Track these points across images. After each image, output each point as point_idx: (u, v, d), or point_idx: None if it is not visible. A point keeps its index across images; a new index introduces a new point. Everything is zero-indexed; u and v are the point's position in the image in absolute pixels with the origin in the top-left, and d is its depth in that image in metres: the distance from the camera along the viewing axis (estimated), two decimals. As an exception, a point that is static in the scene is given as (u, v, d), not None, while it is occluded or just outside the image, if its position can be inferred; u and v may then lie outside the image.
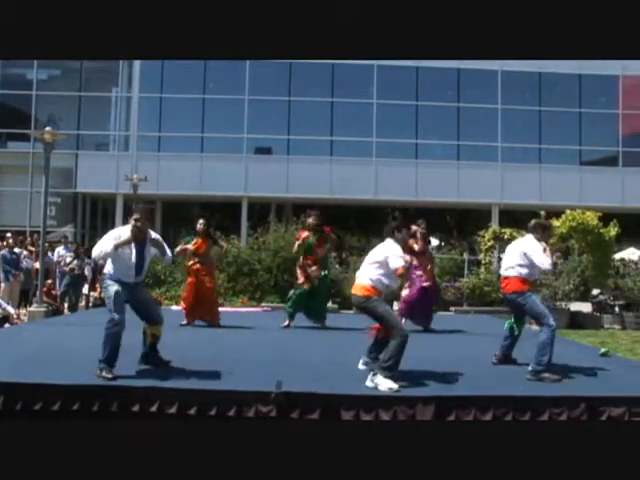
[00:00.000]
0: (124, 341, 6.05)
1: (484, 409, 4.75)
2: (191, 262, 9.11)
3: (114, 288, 5.44)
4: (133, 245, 5.45)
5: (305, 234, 9.08)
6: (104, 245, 5.47)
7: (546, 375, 5.67)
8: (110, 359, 5.35)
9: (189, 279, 9.26)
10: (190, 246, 8.94)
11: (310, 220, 9.03)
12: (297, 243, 9.15)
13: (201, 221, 8.99)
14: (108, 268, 5.56)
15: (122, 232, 5.59)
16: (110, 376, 5.19)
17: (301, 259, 9.15)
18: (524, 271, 6.21)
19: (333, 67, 26.86)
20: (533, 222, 6.62)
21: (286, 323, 9.09)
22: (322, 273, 8.99)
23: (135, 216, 5.45)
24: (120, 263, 5.48)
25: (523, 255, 6.27)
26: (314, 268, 8.90)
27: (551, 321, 5.95)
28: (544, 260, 6.12)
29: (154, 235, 5.65)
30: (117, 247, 5.40)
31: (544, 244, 6.26)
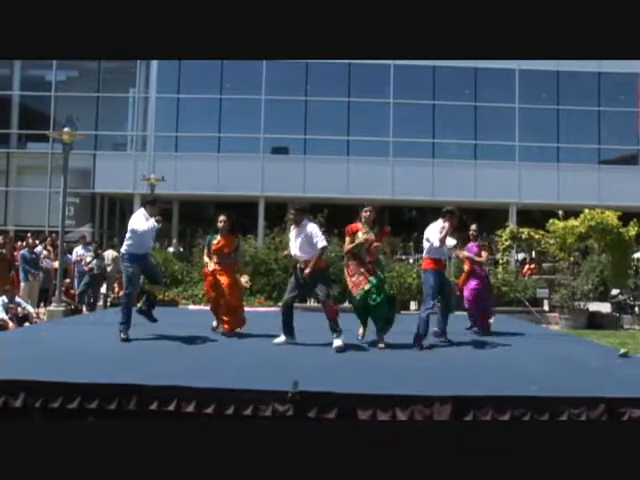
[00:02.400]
0: (140, 342, 6.11)
1: (502, 409, 4.73)
2: (208, 263, 8.14)
3: None
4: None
5: (358, 228, 7.42)
6: None
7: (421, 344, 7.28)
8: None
9: (206, 284, 8.26)
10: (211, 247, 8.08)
11: (366, 214, 7.42)
12: (349, 239, 7.39)
13: (221, 218, 8.06)
14: None
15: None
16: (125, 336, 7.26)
17: (347, 261, 7.45)
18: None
19: (350, 67, 26.86)
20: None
21: (360, 331, 7.66)
22: (370, 280, 7.19)
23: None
24: None
25: (426, 239, 7.72)
26: (361, 276, 7.24)
27: (429, 303, 7.51)
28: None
29: None
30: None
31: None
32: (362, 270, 7.17)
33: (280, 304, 7.81)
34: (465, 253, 9.04)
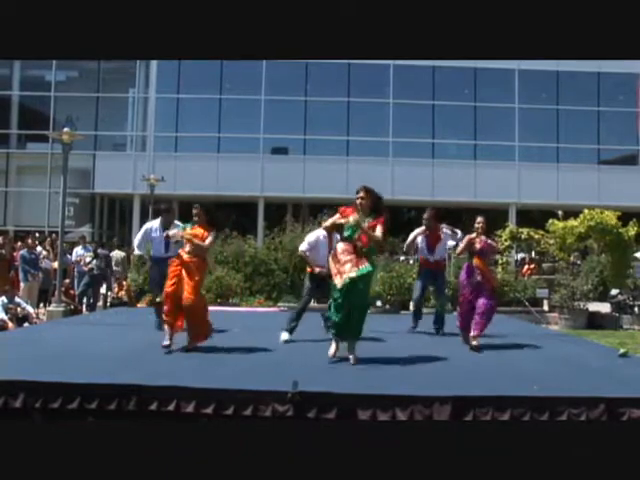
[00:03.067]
0: (139, 342, 6.10)
1: (501, 409, 4.73)
2: (180, 250, 7.01)
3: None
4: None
5: (350, 213, 6.34)
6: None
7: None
8: None
9: (170, 272, 6.85)
10: (185, 232, 6.97)
11: (358, 201, 6.35)
12: (332, 219, 6.52)
13: (196, 205, 7.15)
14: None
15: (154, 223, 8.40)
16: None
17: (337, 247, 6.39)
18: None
19: (349, 67, 26.89)
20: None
21: (331, 351, 6.42)
22: (361, 269, 6.14)
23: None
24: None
25: None
26: (348, 264, 6.14)
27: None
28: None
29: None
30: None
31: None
32: (350, 257, 6.16)
33: (299, 306, 7.99)
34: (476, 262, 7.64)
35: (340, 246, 6.28)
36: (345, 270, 6.13)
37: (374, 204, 6.35)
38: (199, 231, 6.93)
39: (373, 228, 6.27)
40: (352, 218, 6.21)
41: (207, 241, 6.88)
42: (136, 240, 8.63)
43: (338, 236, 6.72)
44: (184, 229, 7.10)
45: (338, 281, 6.16)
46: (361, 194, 6.32)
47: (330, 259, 6.39)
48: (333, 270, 6.26)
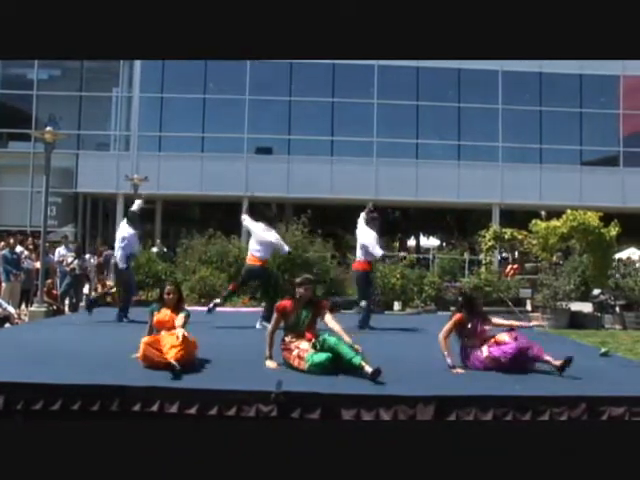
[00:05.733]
0: (122, 343, 6.06)
1: (484, 409, 4.75)
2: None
3: None
4: None
5: (289, 307, 6.05)
6: None
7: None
8: None
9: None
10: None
11: (303, 292, 6.02)
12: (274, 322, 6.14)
13: (169, 288, 6.38)
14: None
15: None
16: None
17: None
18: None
19: (334, 67, 26.88)
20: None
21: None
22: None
23: None
24: None
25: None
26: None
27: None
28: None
29: None
30: None
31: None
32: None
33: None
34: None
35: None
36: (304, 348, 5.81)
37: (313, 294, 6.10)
38: (166, 314, 6.18)
39: (322, 316, 6.00)
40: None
41: (178, 322, 6.05)
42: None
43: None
44: (152, 312, 6.26)
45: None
46: (306, 286, 5.97)
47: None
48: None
